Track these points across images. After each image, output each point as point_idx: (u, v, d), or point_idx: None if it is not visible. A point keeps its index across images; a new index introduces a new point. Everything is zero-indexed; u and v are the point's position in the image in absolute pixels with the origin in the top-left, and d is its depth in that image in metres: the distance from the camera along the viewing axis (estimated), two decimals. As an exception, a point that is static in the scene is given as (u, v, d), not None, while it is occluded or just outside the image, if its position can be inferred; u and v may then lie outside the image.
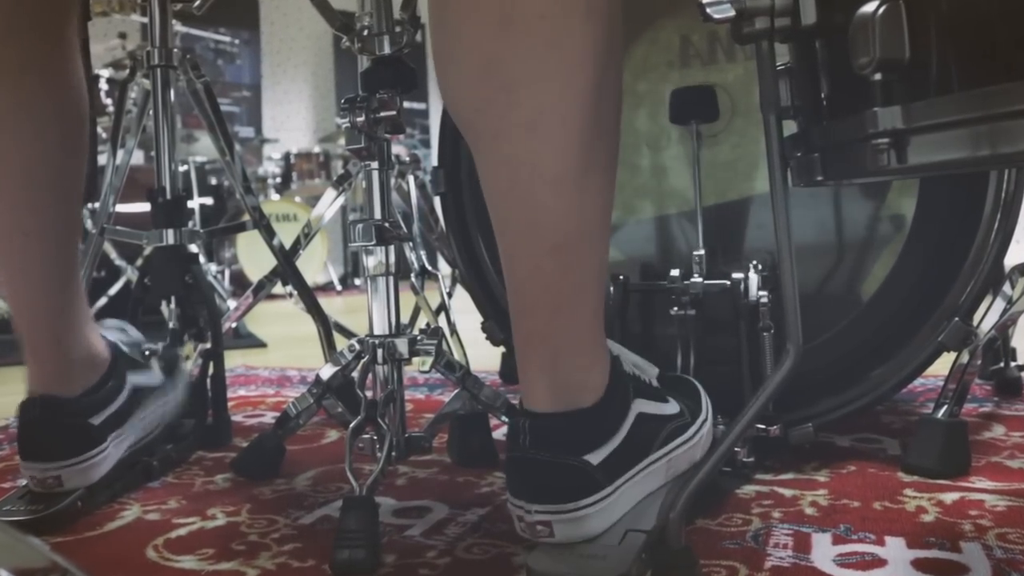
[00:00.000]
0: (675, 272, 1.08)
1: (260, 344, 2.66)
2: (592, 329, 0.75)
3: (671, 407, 0.85)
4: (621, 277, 1.12)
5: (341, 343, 1.28)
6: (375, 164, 1.00)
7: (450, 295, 1.73)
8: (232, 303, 2.18)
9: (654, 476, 0.80)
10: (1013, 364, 1.45)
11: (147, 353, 1.25)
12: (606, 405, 0.75)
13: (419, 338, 1.01)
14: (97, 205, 1.50)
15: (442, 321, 1.71)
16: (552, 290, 0.72)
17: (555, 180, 0.68)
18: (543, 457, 0.72)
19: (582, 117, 0.67)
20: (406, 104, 1.00)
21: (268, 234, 1.46)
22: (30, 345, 0.97)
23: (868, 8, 0.57)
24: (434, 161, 1.35)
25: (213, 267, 3.63)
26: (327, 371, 1.08)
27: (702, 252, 1.07)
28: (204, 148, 4.19)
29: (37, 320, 0.97)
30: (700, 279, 1.06)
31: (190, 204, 3.81)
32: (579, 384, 0.74)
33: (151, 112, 1.36)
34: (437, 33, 0.71)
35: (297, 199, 5.35)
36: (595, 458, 0.73)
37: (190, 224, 1.33)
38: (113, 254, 2.92)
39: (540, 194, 0.69)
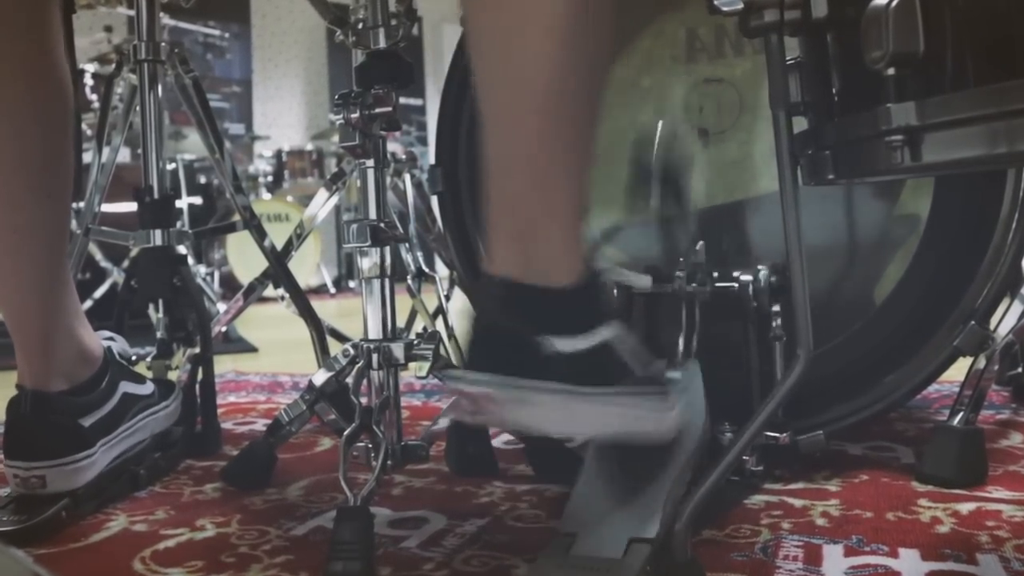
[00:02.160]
0: (680, 274, 1.08)
1: (251, 349, 2.66)
2: (572, 207, 0.71)
3: (657, 367, 0.79)
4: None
5: (335, 348, 1.28)
6: (370, 162, 1.00)
7: (448, 298, 1.73)
8: (222, 306, 2.18)
9: (608, 418, 0.72)
10: (1031, 369, 1.45)
11: (134, 359, 1.25)
12: (580, 294, 0.70)
13: (416, 342, 1.01)
14: (82, 205, 1.50)
15: (439, 325, 1.71)
16: (534, 150, 0.68)
17: (548, 28, 0.66)
18: (506, 324, 0.68)
19: None
20: (402, 100, 1.00)
21: (259, 235, 1.46)
22: (20, 341, 0.98)
23: (881, 0, 0.57)
24: (431, 159, 1.35)
25: (202, 269, 3.64)
26: (320, 377, 1.08)
27: (701, 245, 1.07)
28: (193, 145, 4.20)
29: (27, 316, 0.98)
30: (705, 283, 1.06)
31: (178, 204, 3.82)
32: (550, 260, 0.70)
33: (138, 108, 1.36)
34: None
35: (289, 198, 5.35)
36: (562, 344, 0.68)
37: (178, 224, 1.33)
38: (98, 255, 2.93)
39: (531, 43, 0.66)
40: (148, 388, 1.16)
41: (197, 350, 1.29)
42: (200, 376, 1.29)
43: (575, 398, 0.69)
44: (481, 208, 0.74)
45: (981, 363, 1.05)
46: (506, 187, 0.71)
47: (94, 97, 3.35)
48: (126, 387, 1.09)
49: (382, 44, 1.02)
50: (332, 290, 5.43)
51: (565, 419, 0.69)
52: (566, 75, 0.67)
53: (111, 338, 1.15)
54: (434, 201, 1.51)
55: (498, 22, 0.68)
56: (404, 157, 1.90)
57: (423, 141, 7.02)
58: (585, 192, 0.72)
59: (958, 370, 1.06)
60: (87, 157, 1.52)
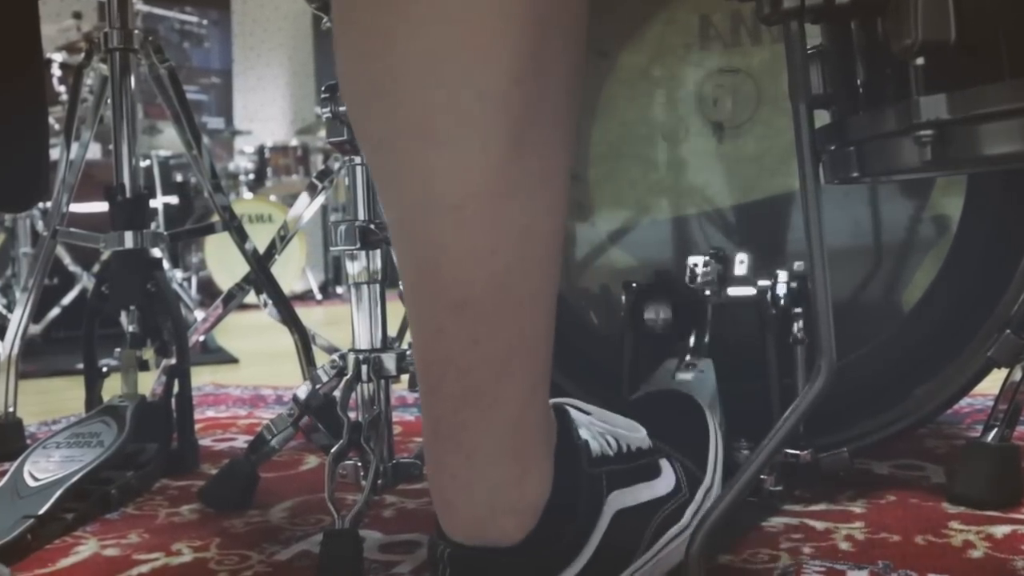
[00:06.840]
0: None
1: (231, 359, 2.66)
2: (521, 426, 0.61)
3: (664, 481, 0.73)
4: (634, 284, 1.12)
5: (321, 358, 1.28)
6: (359, 159, 1.00)
7: (443, 305, 1.73)
8: (200, 314, 2.18)
9: None
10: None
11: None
12: (544, 531, 0.62)
13: (408, 353, 1.01)
14: (49, 205, 1.50)
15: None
16: (458, 364, 0.58)
17: (457, 207, 0.55)
18: None
19: (497, 117, 0.54)
20: (394, 92, 1.00)
21: (240, 237, 1.46)
22: None
23: (909, -15, 0.57)
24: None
25: (179, 274, 3.64)
26: (305, 390, 1.08)
27: (711, 253, 1.07)
28: (168, 141, 4.20)
29: None
30: (717, 287, 1.06)
31: (153, 203, 3.82)
32: (504, 506, 0.61)
33: (109, 101, 1.36)
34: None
35: (272, 198, 5.36)
36: None
37: (152, 226, 1.33)
38: (67, 259, 2.92)
39: (437, 226, 0.56)
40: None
41: (173, 361, 1.29)
42: (176, 389, 1.29)
43: None
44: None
45: (1017, 375, 1.04)
46: (437, 408, 0.62)
47: (62, 89, 3.35)
48: None
49: (372, 32, 1.02)
50: (318, 296, 5.43)
51: None
52: (486, 268, 0.57)
53: None
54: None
55: (397, 197, 0.59)
56: (396, 153, 1.89)
57: (416, 136, 7.02)
58: (540, 400, 0.62)
59: (992, 382, 1.06)
60: (54, 153, 1.52)
